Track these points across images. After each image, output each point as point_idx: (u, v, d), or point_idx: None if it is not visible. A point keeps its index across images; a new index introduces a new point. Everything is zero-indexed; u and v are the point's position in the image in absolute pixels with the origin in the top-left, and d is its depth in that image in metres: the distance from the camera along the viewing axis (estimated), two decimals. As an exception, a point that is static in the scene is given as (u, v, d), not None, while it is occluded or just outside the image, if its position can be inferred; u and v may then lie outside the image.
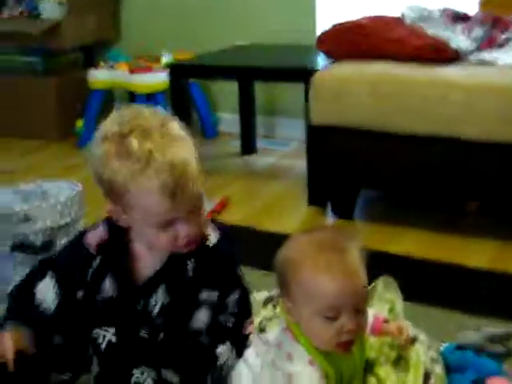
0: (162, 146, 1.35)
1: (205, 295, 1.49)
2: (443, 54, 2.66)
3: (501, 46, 2.89)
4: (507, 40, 2.88)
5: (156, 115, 1.42)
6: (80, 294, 1.53)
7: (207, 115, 4.22)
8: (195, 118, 4.01)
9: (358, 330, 1.39)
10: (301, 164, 3.34)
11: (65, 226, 2.28)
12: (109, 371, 1.50)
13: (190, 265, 1.49)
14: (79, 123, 4.15)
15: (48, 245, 2.26)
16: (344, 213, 2.92)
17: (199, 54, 3.70)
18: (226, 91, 4.18)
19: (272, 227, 2.74)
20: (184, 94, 3.46)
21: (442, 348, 1.79)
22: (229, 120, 4.22)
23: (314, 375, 1.39)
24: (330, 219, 2.95)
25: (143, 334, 1.49)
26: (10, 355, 1.42)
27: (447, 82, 2.53)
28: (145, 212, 1.39)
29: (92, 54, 4.55)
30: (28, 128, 4.28)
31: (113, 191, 1.40)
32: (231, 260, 1.54)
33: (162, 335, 1.50)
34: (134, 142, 1.34)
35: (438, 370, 1.66)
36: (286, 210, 3.07)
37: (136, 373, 1.46)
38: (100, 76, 4.06)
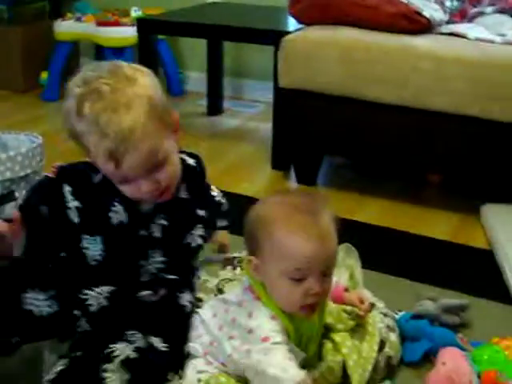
0: (110, 110, 1.37)
1: (199, 212, 1.62)
2: (416, 24, 2.65)
3: (472, 18, 2.90)
4: (478, 13, 2.88)
5: (116, 75, 1.43)
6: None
7: (174, 73, 4.17)
8: (162, 76, 3.96)
9: (323, 294, 1.40)
10: (267, 127, 3.32)
11: (25, 178, 2.25)
12: (98, 331, 1.51)
13: (183, 188, 1.59)
14: (44, 75, 4.08)
15: (8, 196, 2.23)
16: (307, 178, 2.92)
17: (169, 9, 3.65)
18: (195, 50, 4.14)
19: (234, 189, 2.73)
20: (151, 50, 3.41)
21: (397, 317, 1.80)
22: (196, 79, 4.18)
23: (276, 328, 1.39)
24: (292, 184, 2.94)
25: (143, 293, 1.53)
26: None
27: (418, 51, 2.52)
28: (101, 168, 1.46)
29: (59, 5, 4.45)
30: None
31: (78, 144, 1.46)
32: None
33: (162, 291, 1.55)
34: (87, 105, 1.38)
35: (393, 338, 1.68)
36: (249, 173, 3.06)
37: (128, 334, 1.48)
38: (66, 28, 3.97)
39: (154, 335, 1.49)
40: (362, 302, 1.60)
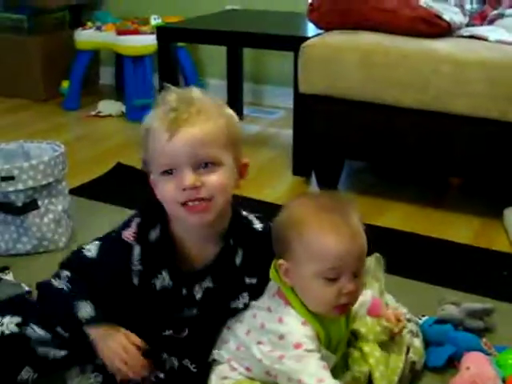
0: (188, 99, 1.42)
1: (247, 280, 1.54)
2: (435, 27, 2.63)
3: (492, 21, 2.88)
4: (499, 15, 2.87)
5: (207, 97, 1.48)
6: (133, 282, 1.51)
7: (194, 80, 4.18)
8: (182, 83, 3.98)
9: (356, 294, 1.40)
10: (287, 133, 3.32)
11: (47, 186, 2.26)
12: None
13: (240, 253, 1.53)
14: (65, 84, 4.11)
15: (30, 205, 2.24)
16: (328, 184, 2.91)
17: (189, 17, 3.66)
18: (214, 57, 4.15)
19: (256, 196, 2.73)
20: (171, 58, 3.42)
21: (421, 321, 1.80)
22: (216, 86, 4.19)
23: (307, 334, 1.39)
24: (314, 190, 2.94)
25: (167, 333, 1.55)
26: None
27: (438, 55, 2.51)
28: (153, 151, 1.42)
29: (79, 14, 4.48)
30: (13, 87, 4.23)
31: (143, 139, 1.45)
32: None
33: (186, 331, 1.55)
34: (172, 95, 1.44)
35: (417, 343, 1.67)
36: (270, 179, 3.06)
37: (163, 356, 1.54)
38: (87, 37, 3.99)
39: (182, 358, 1.54)
40: (398, 320, 1.60)
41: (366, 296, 1.58)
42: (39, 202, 2.26)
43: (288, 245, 1.39)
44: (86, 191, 2.79)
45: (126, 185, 2.92)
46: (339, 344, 1.49)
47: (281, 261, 1.41)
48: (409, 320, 1.73)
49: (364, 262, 1.42)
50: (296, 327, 1.39)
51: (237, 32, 3.23)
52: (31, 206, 2.25)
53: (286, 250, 1.40)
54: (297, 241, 1.37)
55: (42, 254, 2.29)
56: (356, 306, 1.50)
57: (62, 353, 1.59)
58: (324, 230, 1.35)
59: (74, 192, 2.62)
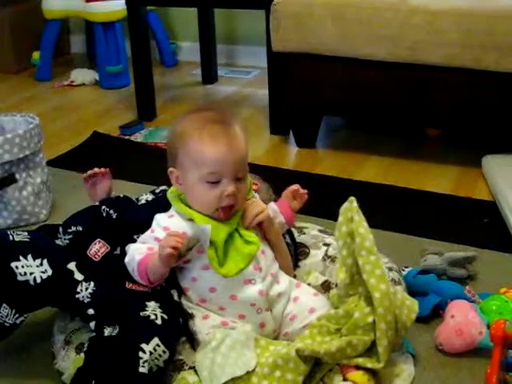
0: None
1: None
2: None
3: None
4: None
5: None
6: None
7: (166, 44, 4.15)
8: (154, 48, 3.94)
9: (238, 196, 1.53)
10: (263, 92, 3.31)
11: (24, 159, 2.25)
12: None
13: None
14: (36, 55, 4.06)
15: (8, 179, 2.23)
16: (306, 141, 2.91)
17: (157, -20, 3.61)
18: (186, 19, 4.10)
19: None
20: (142, 22, 3.37)
21: (404, 273, 1.81)
22: (189, 49, 4.16)
23: (163, 224, 1.55)
24: (292, 148, 2.94)
25: None
26: None
27: (410, 6, 2.49)
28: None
29: (46, -18, 4.40)
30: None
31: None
32: None
33: None
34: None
35: (400, 291, 1.68)
36: (248, 139, 3.00)
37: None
38: (55, 5, 3.93)
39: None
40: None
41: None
42: (17, 176, 2.24)
43: (176, 154, 1.55)
44: (64, 162, 2.78)
45: (103, 153, 2.91)
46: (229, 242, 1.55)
47: (171, 169, 1.57)
48: (390, 269, 1.74)
49: (244, 166, 1.56)
50: (162, 220, 1.56)
51: (206, -7, 3.20)
52: (9, 180, 2.24)
53: (175, 159, 1.56)
54: (182, 150, 1.54)
55: (23, 227, 2.28)
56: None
57: (44, 275, 1.52)
58: (204, 139, 1.50)
59: (51, 163, 2.61)
